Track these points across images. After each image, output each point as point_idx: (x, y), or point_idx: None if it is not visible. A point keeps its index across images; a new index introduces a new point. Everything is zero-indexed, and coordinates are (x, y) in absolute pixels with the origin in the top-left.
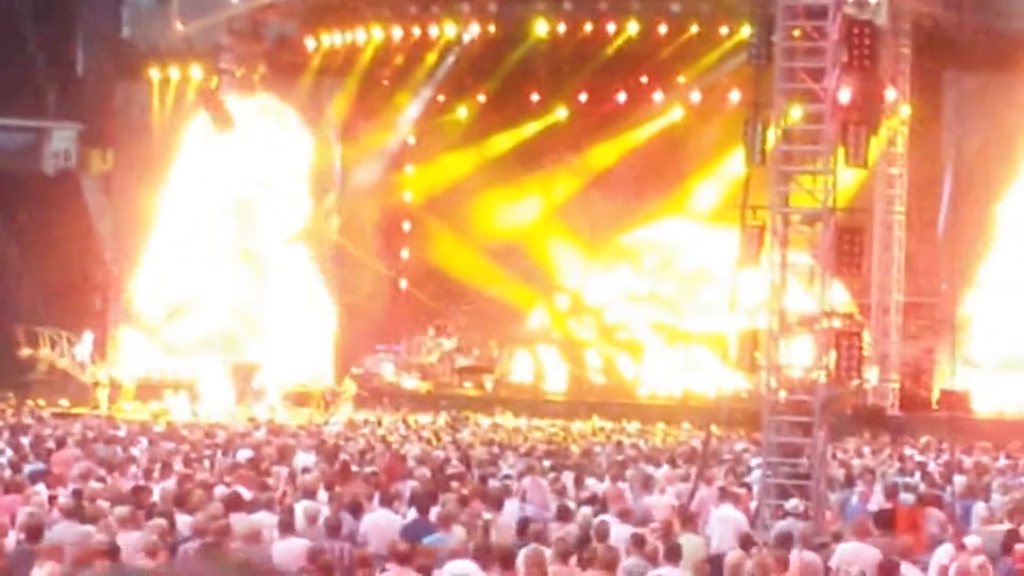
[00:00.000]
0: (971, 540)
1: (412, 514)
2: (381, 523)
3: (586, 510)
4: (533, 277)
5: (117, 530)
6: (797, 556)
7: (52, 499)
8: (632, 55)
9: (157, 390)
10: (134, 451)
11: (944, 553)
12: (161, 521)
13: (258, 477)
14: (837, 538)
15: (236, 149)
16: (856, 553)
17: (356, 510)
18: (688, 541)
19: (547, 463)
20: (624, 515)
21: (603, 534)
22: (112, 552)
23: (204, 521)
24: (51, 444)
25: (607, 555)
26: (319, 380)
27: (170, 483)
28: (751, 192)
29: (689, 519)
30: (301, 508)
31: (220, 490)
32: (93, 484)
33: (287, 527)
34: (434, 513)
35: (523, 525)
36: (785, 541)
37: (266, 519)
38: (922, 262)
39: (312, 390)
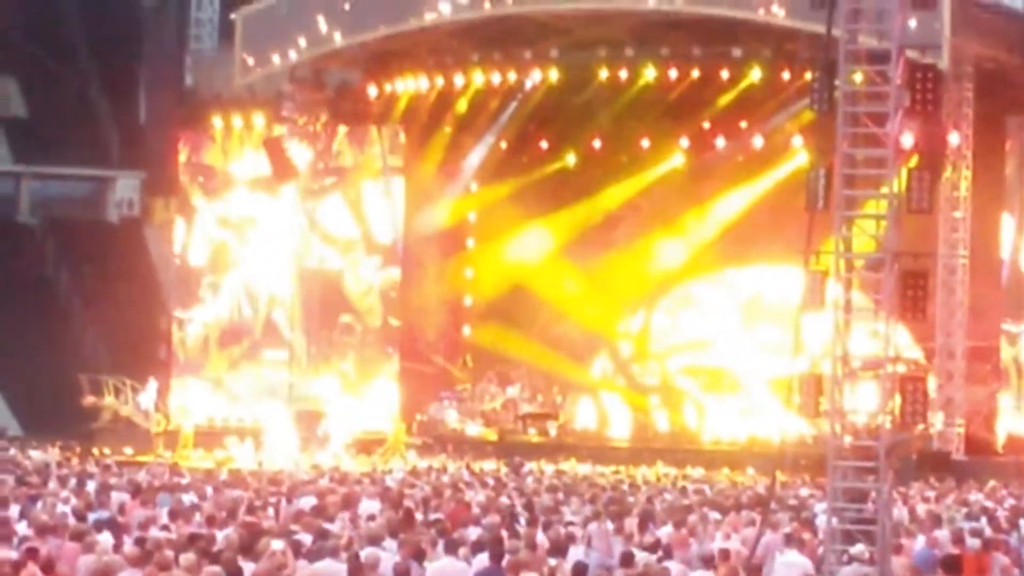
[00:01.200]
0: None
1: (478, 561)
2: (447, 571)
3: (649, 556)
4: (596, 323)
5: None
6: None
7: (116, 547)
8: (694, 101)
9: (220, 438)
10: (196, 499)
11: None
12: (218, 568)
13: (322, 524)
14: None
15: (299, 196)
16: None
17: (419, 557)
18: None
19: (611, 509)
20: (688, 562)
21: None
22: None
23: (268, 569)
24: (116, 493)
25: None
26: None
27: (233, 530)
28: (815, 237)
29: (755, 568)
30: (364, 555)
31: (283, 539)
32: (156, 532)
33: (357, 573)
34: (503, 560)
35: (580, 571)
36: None
37: (331, 567)
38: (986, 306)
39: (375, 437)
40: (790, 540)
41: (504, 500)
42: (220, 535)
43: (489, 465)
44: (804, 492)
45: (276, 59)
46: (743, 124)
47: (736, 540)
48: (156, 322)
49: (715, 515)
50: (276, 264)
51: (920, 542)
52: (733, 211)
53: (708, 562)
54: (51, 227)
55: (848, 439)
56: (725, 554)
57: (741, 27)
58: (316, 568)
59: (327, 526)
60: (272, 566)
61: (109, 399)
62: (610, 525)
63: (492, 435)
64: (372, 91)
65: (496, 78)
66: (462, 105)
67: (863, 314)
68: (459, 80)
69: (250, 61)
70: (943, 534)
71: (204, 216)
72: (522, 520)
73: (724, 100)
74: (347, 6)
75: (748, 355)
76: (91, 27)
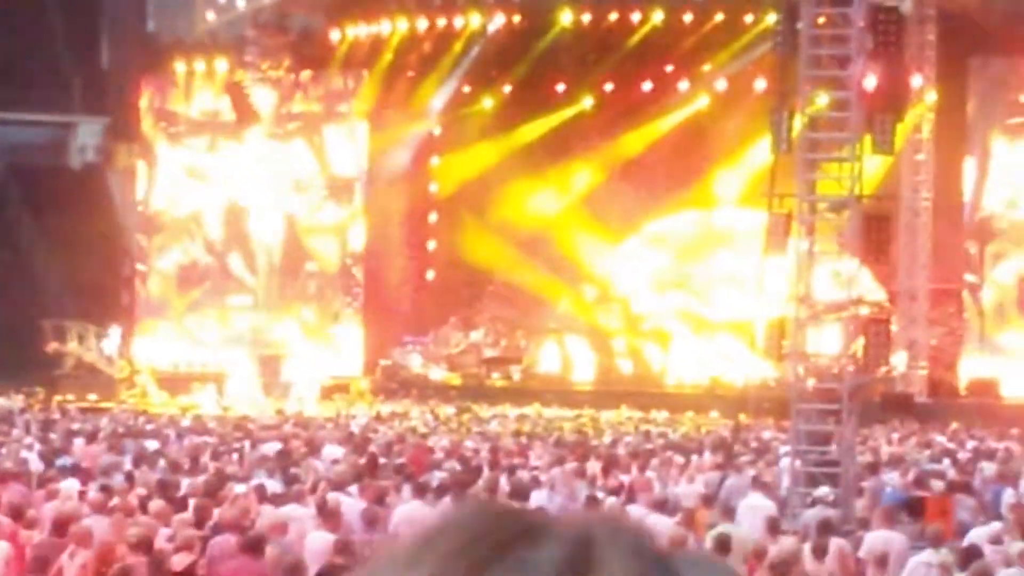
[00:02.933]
0: (995, 527)
1: (440, 506)
2: (416, 514)
3: (613, 500)
4: (560, 267)
5: (152, 524)
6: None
7: (82, 494)
8: (657, 44)
9: (184, 383)
10: (160, 445)
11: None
12: (188, 516)
13: (287, 469)
14: (864, 525)
15: (262, 141)
16: (885, 541)
17: (381, 502)
18: (736, 532)
19: (575, 453)
20: (653, 505)
21: None
22: (146, 546)
23: (233, 514)
24: (80, 439)
25: None
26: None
27: (199, 477)
28: (777, 180)
29: (727, 511)
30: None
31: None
32: (120, 478)
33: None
34: None
35: None
36: (826, 529)
37: (295, 511)
38: (949, 249)
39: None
40: (754, 483)
41: (468, 444)
42: (185, 481)
43: (451, 410)
44: (768, 435)
45: (239, 3)
46: (706, 67)
47: (700, 483)
48: (119, 268)
49: (679, 458)
50: (238, 208)
51: (883, 484)
52: (694, 153)
53: (666, 506)
54: (13, 173)
55: (811, 382)
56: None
57: None
58: (281, 513)
59: (292, 471)
60: (237, 511)
61: (72, 345)
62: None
63: (456, 380)
64: (335, 35)
65: (459, 21)
66: (425, 49)
67: (826, 256)
68: (422, 24)
69: (212, 5)
70: (907, 476)
71: (166, 161)
72: (485, 465)
73: (687, 43)
74: None
75: (712, 298)
76: None
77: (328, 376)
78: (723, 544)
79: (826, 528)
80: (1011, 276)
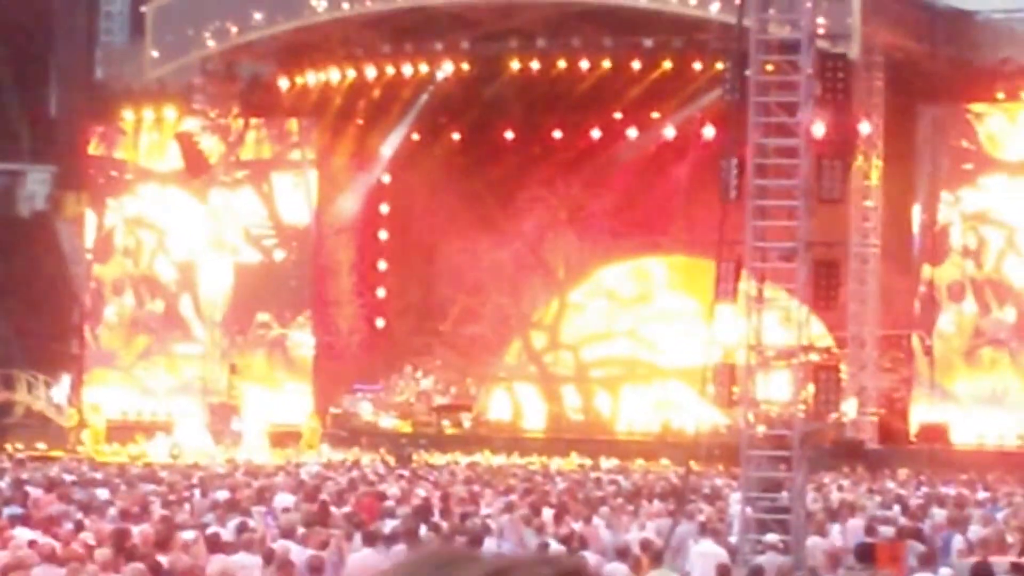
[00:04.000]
0: (944, 573)
1: (393, 554)
2: (368, 561)
3: (563, 548)
4: (509, 315)
5: (98, 573)
6: None
7: (31, 543)
8: (606, 91)
9: (133, 432)
10: (110, 494)
11: None
12: (140, 565)
13: (238, 518)
14: (813, 573)
15: (211, 190)
16: None
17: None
18: None
19: (525, 501)
20: (604, 552)
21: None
22: None
23: (183, 562)
24: (30, 488)
25: None
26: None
27: (149, 525)
28: (726, 227)
29: (656, 556)
30: (279, 548)
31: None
32: (71, 528)
33: (269, 561)
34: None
35: None
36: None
37: (245, 560)
38: (898, 295)
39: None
40: (705, 530)
41: (420, 492)
42: (135, 530)
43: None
44: (719, 482)
45: (187, 52)
46: (655, 115)
47: (651, 530)
48: (68, 316)
49: (630, 506)
50: (187, 258)
51: (835, 531)
52: (645, 201)
53: (622, 554)
54: None
55: (762, 428)
56: (646, 544)
57: (652, 17)
58: (231, 561)
59: (242, 519)
60: (187, 560)
61: (22, 394)
62: (524, 516)
63: (406, 427)
64: (284, 83)
65: (408, 69)
66: (374, 97)
67: (776, 304)
68: (371, 72)
69: (160, 54)
70: (857, 523)
71: (115, 210)
72: (436, 512)
73: (635, 91)
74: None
75: (661, 345)
76: (0, 19)
77: (274, 424)
78: None
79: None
80: (953, 325)
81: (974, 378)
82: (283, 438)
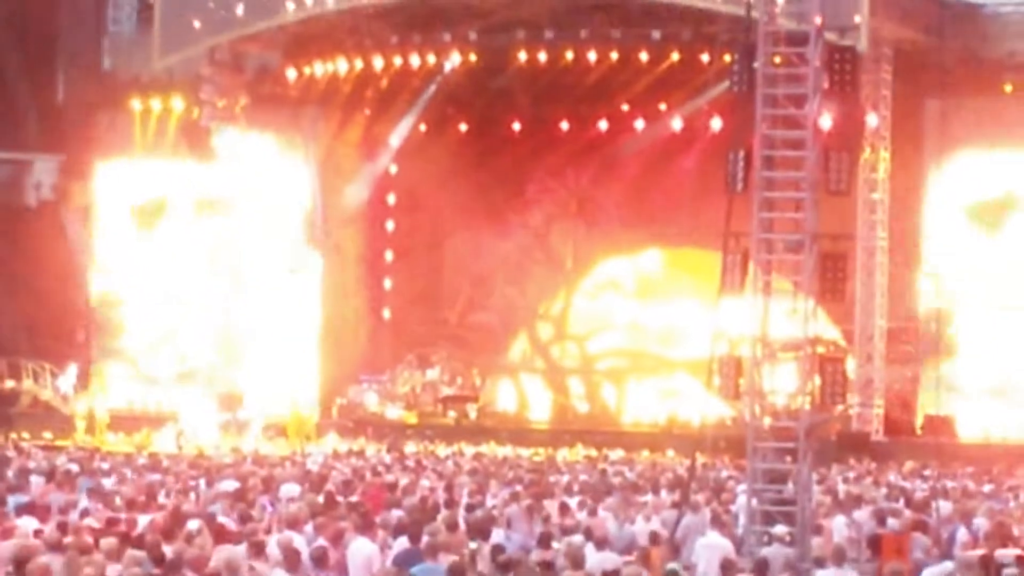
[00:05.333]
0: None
1: (398, 544)
2: (362, 551)
3: (573, 539)
4: (515, 306)
5: (104, 562)
6: None
7: (37, 532)
8: (613, 83)
9: (140, 422)
10: (116, 483)
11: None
12: (141, 553)
13: (243, 508)
14: (819, 563)
15: (218, 181)
16: None
17: (337, 540)
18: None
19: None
20: (602, 543)
21: (578, 561)
22: None
23: (188, 552)
24: (36, 477)
25: None
26: (302, 410)
27: (155, 515)
28: (733, 219)
29: (672, 547)
30: (282, 539)
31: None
32: (77, 517)
33: (259, 552)
34: (422, 542)
35: (499, 553)
36: (763, 568)
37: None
38: (905, 288)
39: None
40: (711, 521)
41: (424, 483)
42: (142, 519)
43: (410, 448)
44: (724, 474)
45: (194, 42)
46: (662, 106)
47: (656, 522)
48: (74, 305)
49: (636, 497)
50: (191, 243)
51: (840, 523)
52: (652, 192)
53: (627, 545)
54: None
55: (768, 420)
56: (655, 537)
57: (660, 9)
58: (236, 551)
59: (248, 509)
60: (192, 550)
61: (28, 383)
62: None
63: (412, 418)
64: (291, 74)
65: (415, 60)
66: (381, 87)
67: (782, 296)
68: (378, 62)
69: (168, 44)
70: (862, 515)
71: (121, 198)
72: (442, 503)
73: (643, 82)
74: None
75: (667, 337)
76: (9, 9)
77: (279, 414)
78: None
79: (763, 568)
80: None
81: (980, 371)
82: (286, 428)
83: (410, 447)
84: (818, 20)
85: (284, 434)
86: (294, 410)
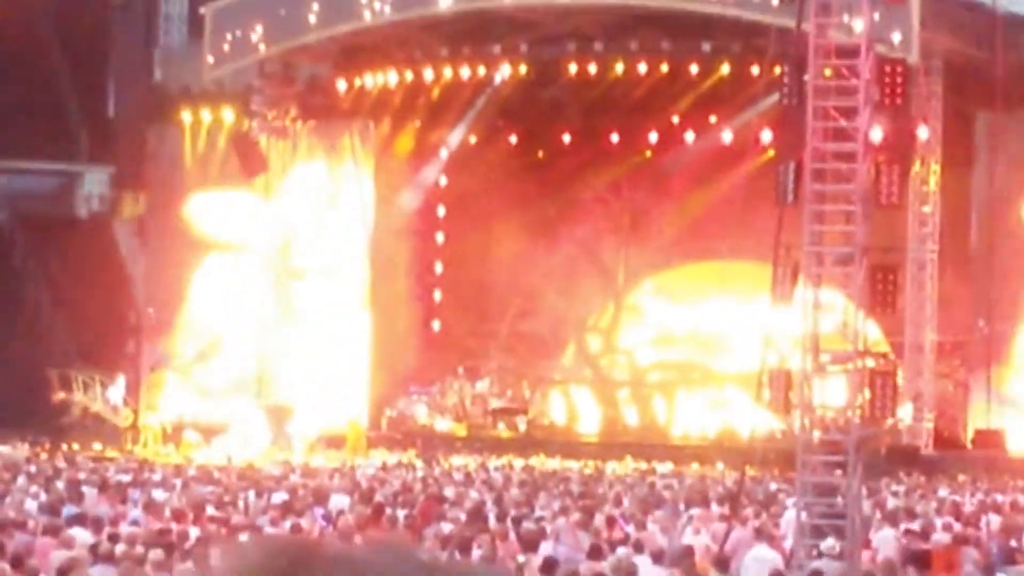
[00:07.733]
0: None
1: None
2: None
3: (621, 551)
4: (565, 318)
5: (152, 573)
6: None
7: (88, 544)
8: (663, 95)
9: (190, 433)
10: (167, 494)
11: None
12: (191, 565)
13: (293, 519)
14: None
15: (270, 193)
16: None
17: None
18: None
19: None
20: (657, 556)
21: (631, 574)
22: None
23: None
24: (87, 488)
25: None
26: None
27: (204, 527)
28: (784, 231)
29: (721, 560)
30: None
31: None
32: (127, 527)
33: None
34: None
35: (549, 566)
36: None
37: None
38: (956, 300)
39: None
40: (760, 535)
41: (474, 495)
42: (191, 531)
43: (459, 460)
44: (773, 487)
45: (245, 54)
46: (712, 119)
47: (706, 535)
48: (125, 317)
49: (685, 510)
50: (244, 259)
51: (889, 537)
52: (702, 205)
53: (677, 558)
54: (19, 222)
55: (817, 434)
56: (689, 551)
57: (710, 22)
58: None
59: (296, 521)
60: None
61: (78, 394)
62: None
63: (461, 430)
64: (341, 85)
65: (465, 72)
66: (432, 99)
67: (832, 309)
68: (428, 74)
69: (218, 56)
70: (913, 529)
71: (173, 212)
72: (492, 515)
73: (693, 95)
74: (315, 5)
75: (717, 350)
76: (60, 21)
77: (333, 426)
78: None
79: None
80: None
81: None
82: (337, 441)
83: (459, 460)
84: (868, 33)
85: (338, 446)
86: (352, 421)
